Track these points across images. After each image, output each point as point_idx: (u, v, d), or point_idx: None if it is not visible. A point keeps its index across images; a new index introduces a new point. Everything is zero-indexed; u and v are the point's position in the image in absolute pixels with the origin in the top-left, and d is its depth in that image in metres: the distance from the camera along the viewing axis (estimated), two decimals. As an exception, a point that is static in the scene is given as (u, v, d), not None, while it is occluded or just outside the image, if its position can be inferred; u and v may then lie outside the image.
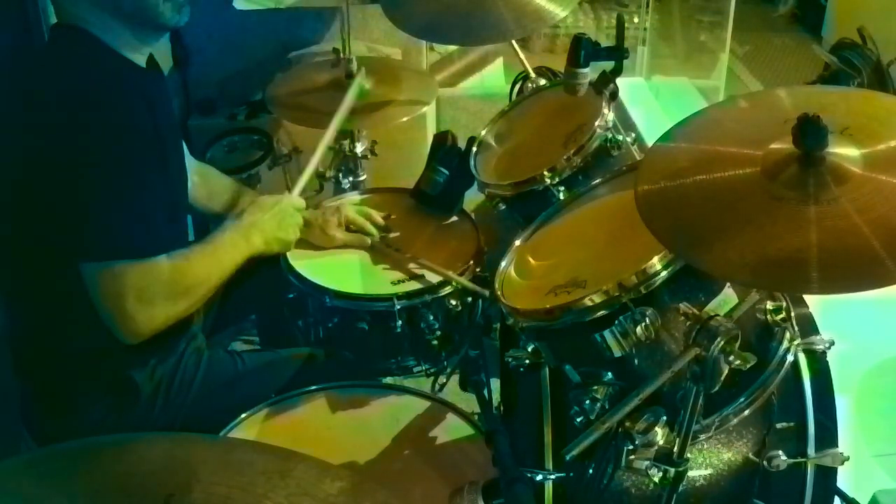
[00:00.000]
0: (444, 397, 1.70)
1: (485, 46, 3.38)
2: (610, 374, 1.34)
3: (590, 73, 1.74)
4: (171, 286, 1.56)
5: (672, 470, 1.24)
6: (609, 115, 1.76)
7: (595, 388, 1.32)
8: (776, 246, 1.03)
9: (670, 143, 1.28)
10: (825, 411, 1.37)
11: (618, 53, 1.73)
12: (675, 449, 1.22)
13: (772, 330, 1.35)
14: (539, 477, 1.37)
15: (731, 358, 1.13)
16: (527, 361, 1.48)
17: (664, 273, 1.27)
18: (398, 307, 1.83)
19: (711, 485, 1.35)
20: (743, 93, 3.26)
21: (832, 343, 1.39)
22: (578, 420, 1.30)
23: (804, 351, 1.38)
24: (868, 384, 1.72)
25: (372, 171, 2.52)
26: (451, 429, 1.58)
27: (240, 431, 1.56)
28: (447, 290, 1.88)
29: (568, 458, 1.18)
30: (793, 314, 1.38)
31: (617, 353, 1.30)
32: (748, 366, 1.15)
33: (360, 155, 2.44)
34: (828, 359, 1.39)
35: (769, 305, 1.34)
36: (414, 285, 1.88)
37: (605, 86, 1.75)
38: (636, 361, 1.30)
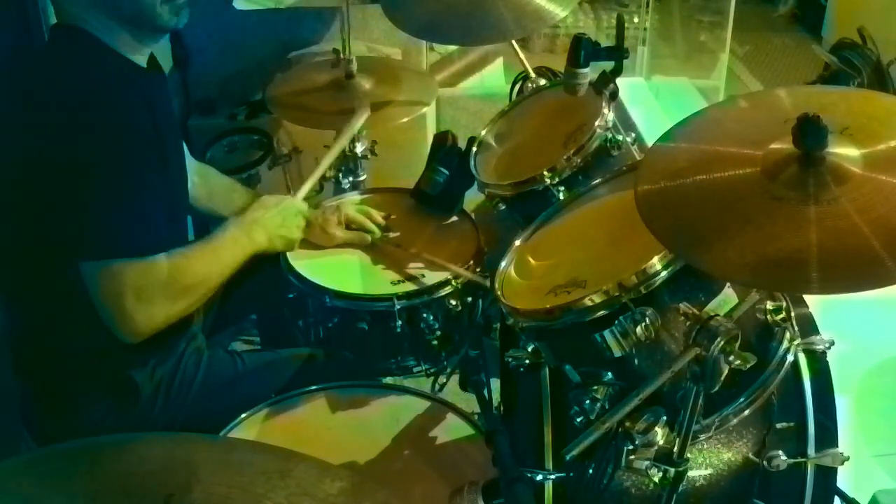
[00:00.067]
0: (444, 397, 1.70)
1: (485, 46, 3.38)
2: (610, 374, 1.34)
3: (590, 73, 1.74)
4: (171, 285, 1.56)
5: (672, 470, 1.24)
6: (609, 115, 1.76)
7: (595, 388, 1.32)
8: (776, 246, 1.03)
9: (670, 143, 1.28)
10: (825, 411, 1.37)
11: (618, 53, 1.73)
12: (675, 449, 1.22)
13: (772, 330, 1.35)
14: (539, 477, 1.37)
15: (731, 358, 1.13)
16: (527, 361, 1.48)
17: (664, 273, 1.27)
18: (398, 307, 1.83)
19: (711, 485, 1.35)
20: (743, 93, 3.26)
21: (832, 343, 1.39)
22: (578, 420, 1.31)
23: (804, 351, 1.38)
24: (868, 384, 1.72)
25: (372, 171, 2.51)
26: (451, 429, 1.58)
27: (240, 431, 1.56)
28: (447, 290, 1.88)
29: (568, 458, 1.18)
30: (793, 314, 1.38)
31: (617, 353, 1.30)
32: (748, 366, 1.15)
33: (360, 155, 2.43)
34: (828, 359, 1.39)
35: (769, 305, 1.34)
36: (414, 285, 1.88)
37: (605, 86, 1.75)
38: (636, 361, 1.30)
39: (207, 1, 3.01)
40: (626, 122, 2.48)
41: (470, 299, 1.92)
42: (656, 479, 1.26)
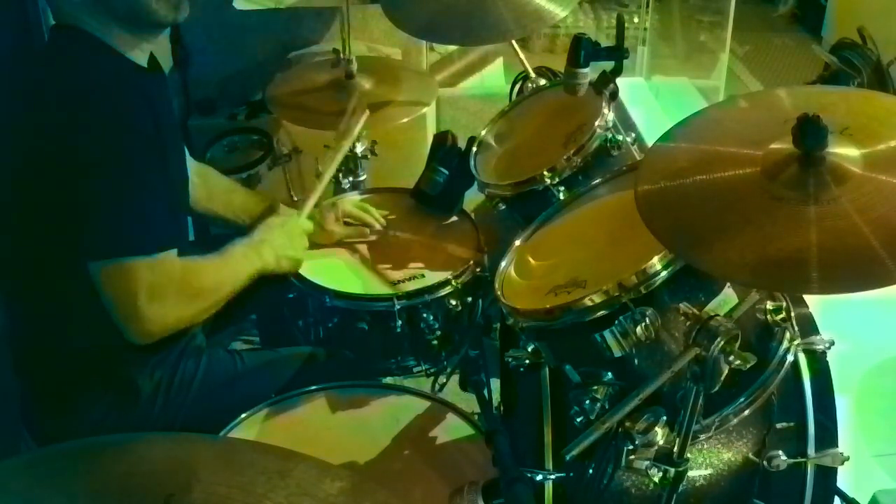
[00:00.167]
0: (444, 397, 1.70)
1: (485, 46, 3.38)
2: (610, 374, 1.34)
3: (590, 73, 1.74)
4: (183, 286, 1.56)
5: (672, 470, 1.24)
6: (609, 115, 1.76)
7: (595, 388, 1.32)
8: (776, 246, 1.03)
9: (670, 143, 1.28)
10: (825, 411, 1.37)
11: (618, 53, 1.73)
12: (675, 449, 1.22)
13: (772, 330, 1.35)
14: (539, 477, 1.37)
15: (731, 358, 1.13)
16: (527, 361, 1.48)
17: (664, 273, 1.27)
18: (398, 307, 1.83)
19: (711, 485, 1.35)
20: (743, 93, 3.26)
21: (832, 343, 1.39)
22: (578, 420, 1.31)
23: (804, 351, 1.38)
24: (868, 384, 1.72)
25: (372, 171, 2.51)
26: (451, 429, 1.58)
27: (240, 431, 1.56)
28: (447, 290, 1.88)
29: (568, 458, 1.18)
30: (793, 314, 1.38)
31: (617, 353, 1.30)
32: (748, 366, 1.15)
33: (360, 155, 2.43)
34: (828, 359, 1.39)
35: (769, 305, 1.34)
36: (414, 285, 1.88)
37: (605, 86, 1.76)
38: (636, 361, 1.30)
39: (207, 1, 3.01)
40: (626, 122, 2.48)
41: (470, 299, 1.92)
42: (656, 479, 1.26)
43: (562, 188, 1.74)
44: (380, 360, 1.94)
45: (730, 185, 1.13)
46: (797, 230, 1.03)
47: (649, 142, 1.71)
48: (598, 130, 1.75)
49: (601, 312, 1.29)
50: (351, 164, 2.43)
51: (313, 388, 1.67)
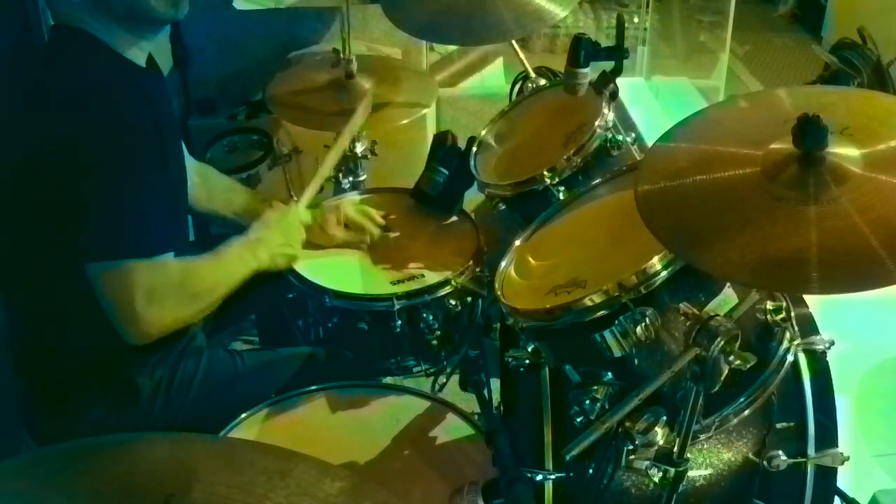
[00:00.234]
0: (444, 397, 1.70)
1: (485, 46, 3.38)
2: (610, 374, 1.34)
3: (590, 73, 1.74)
4: (180, 287, 1.56)
5: (672, 470, 1.24)
6: (609, 115, 1.76)
7: (595, 388, 1.32)
8: (776, 246, 1.03)
9: (670, 143, 1.28)
10: (825, 411, 1.37)
11: (618, 53, 1.73)
12: (675, 449, 1.22)
13: (772, 330, 1.35)
14: (539, 477, 1.37)
15: (731, 358, 1.13)
16: (527, 361, 1.48)
17: (664, 273, 1.27)
18: (398, 307, 1.83)
19: (711, 485, 1.35)
20: (743, 93, 3.26)
21: (832, 343, 1.39)
22: (578, 420, 1.31)
23: (804, 351, 1.38)
24: (868, 384, 1.72)
25: (372, 171, 2.51)
26: (451, 429, 1.58)
27: (240, 431, 1.56)
28: (447, 290, 1.88)
29: (568, 458, 1.18)
30: (793, 314, 1.38)
31: (617, 353, 1.30)
32: (748, 366, 1.15)
33: (360, 155, 2.43)
34: (828, 359, 1.39)
35: (769, 305, 1.34)
36: (414, 285, 1.88)
37: (605, 86, 1.75)
38: (636, 361, 1.30)
39: (207, 1, 3.01)
40: (626, 122, 2.47)
41: (470, 299, 1.92)
42: (656, 479, 1.26)
43: (562, 188, 1.74)
44: (380, 360, 1.94)
45: (730, 185, 1.13)
46: (797, 230, 1.03)
47: (649, 142, 1.71)
48: (598, 130, 1.75)
49: (601, 312, 1.29)
50: (351, 164, 2.43)
51: (313, 388, 1.67)
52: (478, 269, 1.93)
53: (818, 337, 1.39)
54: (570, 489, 1.36)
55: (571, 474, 1.36)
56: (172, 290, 1.55)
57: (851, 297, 1.00)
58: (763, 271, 1.04)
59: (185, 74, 3.21)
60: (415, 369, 1.96)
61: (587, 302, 1.29)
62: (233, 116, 3.20)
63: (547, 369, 1.47)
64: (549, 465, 1.38)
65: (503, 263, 1.56)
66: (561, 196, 1.73)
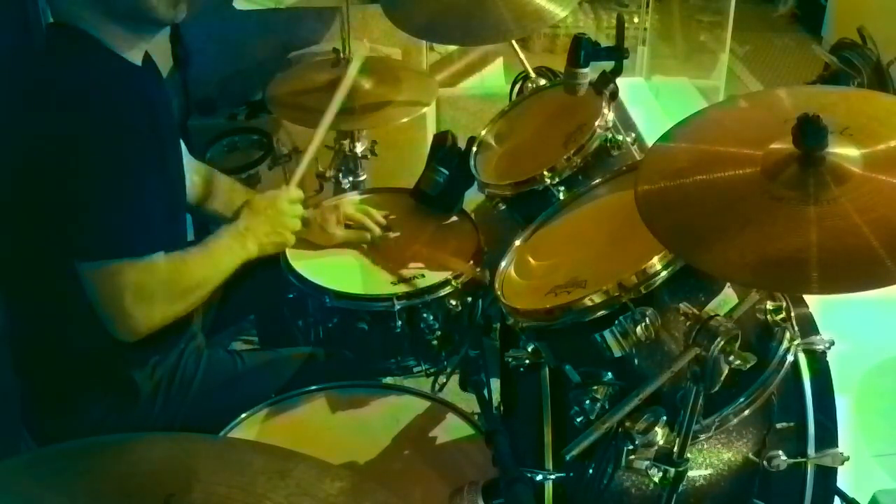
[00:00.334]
0: (444, 397, 1.70)
1: (485, 46, 3.38)
2: (610, 374, 1.34)
3: (590, 73, 1.74)
4: (170, 286, 1.56)
5: (672, 470, 1.24)
6: (609, 115, 1.76)
7: (595, 388, 1.32)
8: (776, 246, 1.03)
9: (670, 143, 1.28)
10: (825, 411, 1.37)
11: (618, 53, 1.73)
12: (675, 449, 1.22)
13: (772, 330, 1.35)
14: (539, 477, 1.37)
15: (731, 358, 1.13)
16: (527, 361, 1.48)
17: (664, 273, 1.27)
18: (398, 307, 1.83)
19: (711, 485, 1.35)
20: (743, 93, 3.26)
21: (832, 343, 1.39)
22: (578, 420, 1.31)
23: (804, 351, 1.38)
24: (868, 384, 1.72)
25: (372, 171, 2.52)
26: (451, 429, 1.58)
27: (240, 431, 1.56)
28: (447, 290, 1.88)
29: (568, 458, 1.18)
30: (793, 314, 1.38)
31: (617, 353, 1.30)
32: (748, 366, 1.15)
33: (360, 155, 2.44)
34: (828, 359, 1.39)
35: (769, 305, 1.34)
36: (414, 285, 1.88)
37: (605, 86, 1.75)
38: (636, 361, 1.30)
39: (207, 1, 3.01)
40: (626, 122, 2.48)
41: (470, 299, 1.92)
42: (656, 479, 1.26)
43: (562, 188, 1.74)
44: (380, 360, 1.94)
45: (730, 185, 1.13)
46: (797, 230, 1.03)
47: (649, 142, 1.71)
48: (598, 130, 1.75)
49: (601, 312, 1.29)
50: (351, 164, 2.43)
51: (313, 388, 1.67)
52: (478, 269, 1.92)
53: (818, 337, 1.39)
54: (570, 489, 1.36)
55: (571, 474, 1.36)
56: (161, 289, 1.55)
57: (851, 297, 1.00)
58: (763, 271, 1.04)
59: (185, 74, 3.21)
60: (415, 369, 1.96)
61: (587, 302, 1.29)
62: (233, 116, 3.20)
63: (547, 369, 1.47)
64: (549, 465, 1.38)
65: (503, 263, 1.56)
66: (561, 196, 1.73)
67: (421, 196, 2.11)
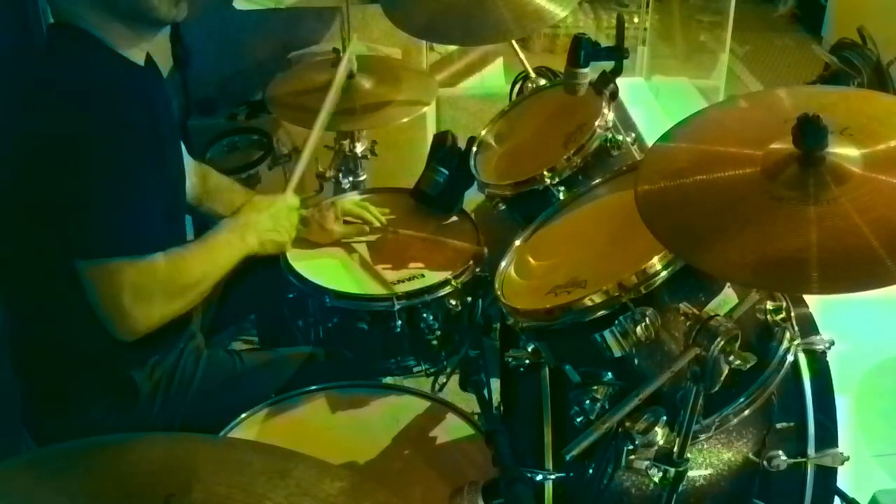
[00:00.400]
0: (444, 397, 1.70)
1: (485, 46, 3.38)
2: (610, 374, 1.34)
3: (590, 73, 1.74)
4: (168, 284, 1.56)
5: (672, 470, 1.24)
6: (609, 115, 1.76)
7: (595, 388, 1.32)
8: (776, 246, 1.03)
9: (670, 143, 1.28)
10: (825, 411, 1.37)
11: (618, 53, 1.73)
12: (675, 449, 1.22)
13: (772, 330, 1.35)
14: (539, 477, 1.37)
15: (731, 358, 1.13)
16: (527, 361, 1.48)
17: (664, 273, 1.27)
18: (398, 307, 1.83)
19: (711, 485, 1.35)
20: (743, 93, 3.26)
21: (832, 343, 1.39)
22: (578, 420, 1.31)
23: (804, 351, 1.38)
24: (868, 384, 1.72)
25: (372, 171, 2.52)
26: (451, 429, 1.58)
27: (240, 431, 1.56)
28: (447, 290, 1.88)
29: (568, 458, 1.18)
30: (793, 314, 1.38)
31: (617, 353, 1.30)
32: (748, 366, 1.15)
33: (360, 155, 2.43)
34: (828, 359, 1.39)
35: (769, 305, 1.34)
36: (414, 285, 1.88)
37: (605, 86, 1.75)
38: (636, 361, 1.30)
39: (207, 1, 3.01)
40: (626, 122, 2.48)
41: (470, 299, 1.92)
42: (656, 479, 1.26)
43: (562, 188, 1.74)
44: (380, 360, 1.94)
45: (730, 185, 1.13)
46: (797, 230, 1.03)
47: (649, 142, 1.71)
48: (598, 130, 1.75)
49: (601, 312, 1.29)
50: (351, 164, 2.43)
51: (313, 388, 1.67)
52: (478, 269, 1.93)
53: (818, 337, 1.39)
54: (570, 489, 1.36)
55: (571, 474, 1.36)
56: (161, 288, 1.55)
57: (851, 297, 1.00)
58: (763, 271, 1.04)
59: (185, 74, 3.21)
60: (415, 369, 1.96)
61: (587, 302, 1.29)
62: (233, 116, 3.20)
63: (547, 369, 1.47)
64: (549, 465, 1.38)
65: (503, 263, 1.56)
66: (561, 196, 1.73)
67: (421, 196, 2.11)
